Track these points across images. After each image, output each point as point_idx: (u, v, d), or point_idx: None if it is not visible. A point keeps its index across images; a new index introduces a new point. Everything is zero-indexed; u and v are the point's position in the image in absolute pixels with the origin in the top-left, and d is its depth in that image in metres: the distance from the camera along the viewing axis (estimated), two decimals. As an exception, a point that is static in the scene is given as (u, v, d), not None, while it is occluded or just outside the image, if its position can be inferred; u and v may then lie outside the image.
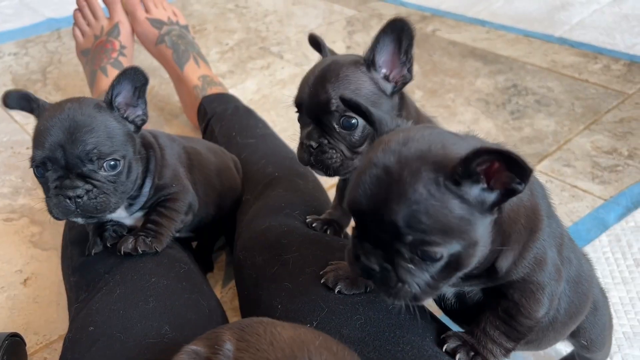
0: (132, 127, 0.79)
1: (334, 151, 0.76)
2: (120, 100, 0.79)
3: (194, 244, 1.09)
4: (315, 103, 0.77)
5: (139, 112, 0.81)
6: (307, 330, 0.55)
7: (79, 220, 0.78)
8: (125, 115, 0.79)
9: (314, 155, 0.77)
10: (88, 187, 0.73)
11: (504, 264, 0.57)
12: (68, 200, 0.72)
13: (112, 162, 0.75)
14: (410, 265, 0.52)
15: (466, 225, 0.50)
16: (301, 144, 0.79)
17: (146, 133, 0.87)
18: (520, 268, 0.58)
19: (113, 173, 0.75)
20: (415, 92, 1.68)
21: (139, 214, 0.86)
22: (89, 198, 0.73)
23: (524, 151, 1.40)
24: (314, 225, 0.87)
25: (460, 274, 0.54)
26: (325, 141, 0.76)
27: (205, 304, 0.77)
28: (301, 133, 0.80)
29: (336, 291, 0.69)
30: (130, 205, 0.83)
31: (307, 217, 0.89)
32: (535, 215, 0.58)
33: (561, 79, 1.69)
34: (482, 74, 1.76)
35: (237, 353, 0.56)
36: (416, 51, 1.94)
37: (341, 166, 0.76)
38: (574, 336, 0.77)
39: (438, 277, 0.53)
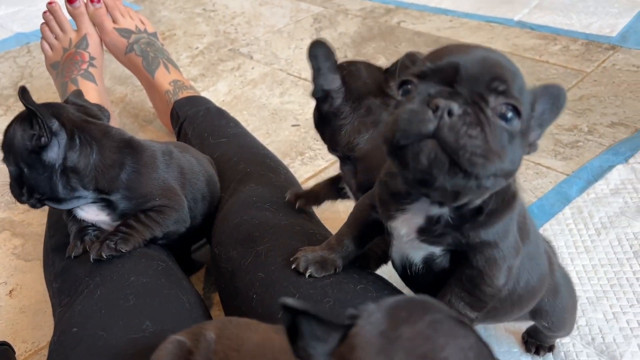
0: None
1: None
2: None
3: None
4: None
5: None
6: (276, 334, 0.59)
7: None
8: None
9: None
10: None
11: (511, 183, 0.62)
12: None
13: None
14: (491, 115, 0.51)
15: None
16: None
17: (126, 149, 0.88)
18: (493, 229, 0.62)
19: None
20: (383, 84, 1.72)
21: (115, 217, 0.89)
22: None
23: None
24: (286, 198, 0.91)
25: (499, 183, 0.55)
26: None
27: (185, 299, 0.81)
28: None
29: (307, 275, 0.73)
30: (111, 209, 0.86)
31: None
32: (515, 188, 0.63)
33: (523, 62, 1.75)
34: (446, 61, 1.80)
35: (217, 345, 0.60)
36: (382, 44, 2.00)
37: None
38: (535, 318, 0.81)
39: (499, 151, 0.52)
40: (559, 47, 1.81)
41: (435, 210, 0.62)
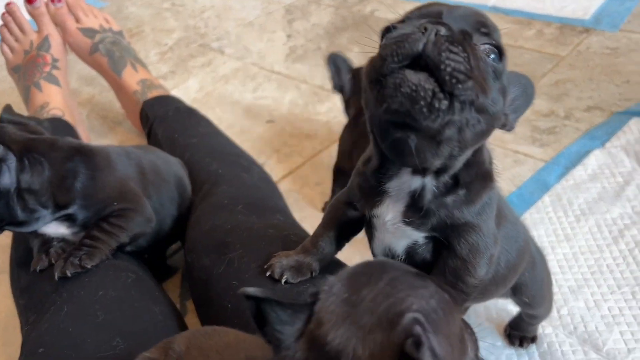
0: None
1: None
2: None
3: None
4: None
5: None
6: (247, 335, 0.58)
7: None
8: None
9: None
10: None
11: (486, 156, 0.62)
12: None
13: None
14: (476, 48, 0.52)
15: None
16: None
17: (77, 156, 0.85)
18: (475, 208, 0.61)
19: None
20: (357, 75, 1.70)
21: (83, 232, 0.85)
22: None
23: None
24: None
25: (481, 124, 0.53)
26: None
27: (158, 310, 0.78)
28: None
29: (283, 282, 0.71)
30: (70, 221, 0.82)
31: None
32: (489, 168, 0.63)
33: (498, 48, 1.73)
34: (421, 50, 1.78)
35: (186, 356, 0.58)
36: (356, 34, 1.97)
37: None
38: (516, 294, 0.80)
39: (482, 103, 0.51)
40: (534, 32, 1.80)
41: (417, 182, 0.60)
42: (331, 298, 0.43)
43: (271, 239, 0.80)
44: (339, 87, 1.20)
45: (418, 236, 0.64)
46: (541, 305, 0.83)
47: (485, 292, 0.73)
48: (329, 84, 1.64)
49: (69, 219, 0.83)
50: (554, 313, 0.94)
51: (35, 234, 0.85)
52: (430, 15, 0.53)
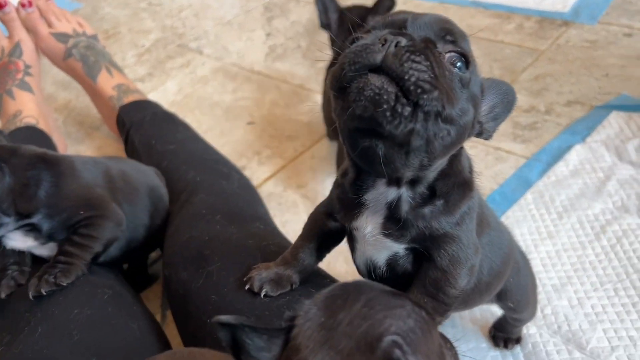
0: None
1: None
2: None
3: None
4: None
5: None
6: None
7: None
8: None
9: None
10: None
11: (465, 164, 0.61)
12: None
13: None
14: (440, 57, 0.51)
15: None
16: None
17: (40, 164, 0.83)
18: (454, 218, 0.60)
19: None
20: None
21: (52, 244, 0.83)
22: None
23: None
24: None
25: (450, 135, 0.52)
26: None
27: (136, 326, 0.76)
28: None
29: (262, 295, 0.70)
30: (36, 232, 0.81)
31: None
32: (469, 176, 0.62)
33: (478, 43, 1.72)
34: (401, 46, 1.77)
35: None
36: (335, 31, 1.93)
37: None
38: (500, 299, 0.80)
39: (447, 115, 0.50)
40: (514, 26, 1.80)
41: (393, 194, 0.59)
42: (308, 323, 0.42)
43: (250, 249, 0.78)
44: (325, 25, 1.29)
45: (398, 248, 0.63)
46: (526, 309, 0.83)
47: (468, 300, 0.73)
48: (309, 83, 1.63)
49: (34, 230, 0.81)
50: (537, 313, 0.94)
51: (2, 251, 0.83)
52: (394, 25, 0.53)
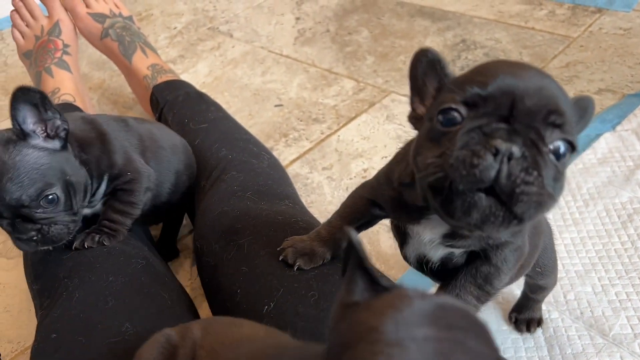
0: (58, 144, 0.77)
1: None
2: (29, 124, 0.75)
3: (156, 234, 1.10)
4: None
5: (57, 123, 0.77)
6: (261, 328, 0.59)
7: (50, 248, 0.80)
8: (45, 135, 0.76)
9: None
10: (37, 226, 0.75)
11: None
12: (25, 243, 0.75)
13: (48, 197, 0.74)
14: (547, 154, 0.49)
15: None
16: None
17: (85, 127, 0.86)
18: (515, 229, 0.60)
19: (52, 207, 0.75)
20: (367, 58, 1.69)
21: (99, 205, 0.88)
22: (44, 234, 0.75)
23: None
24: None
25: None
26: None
27: (167, 296, 0.79)
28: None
29: (295, 267, 0.71)
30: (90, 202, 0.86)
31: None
32: None
33: (508, 29, 1.71)
34: (431, 32, 1.77)
35: (203, 340, 0.60)
36: (365, 16, 1.95)
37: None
38: None
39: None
40: (545, 12, 1.77)
41: None
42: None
43: (280, 225, 0.81)
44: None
45: (456, 251, 0.65)
46: (552, 272, 0.84)
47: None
48: (337, 67, 1.64)
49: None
50: (560, 298, 0.95)
51: None
52: (501, 108, 0.49)
